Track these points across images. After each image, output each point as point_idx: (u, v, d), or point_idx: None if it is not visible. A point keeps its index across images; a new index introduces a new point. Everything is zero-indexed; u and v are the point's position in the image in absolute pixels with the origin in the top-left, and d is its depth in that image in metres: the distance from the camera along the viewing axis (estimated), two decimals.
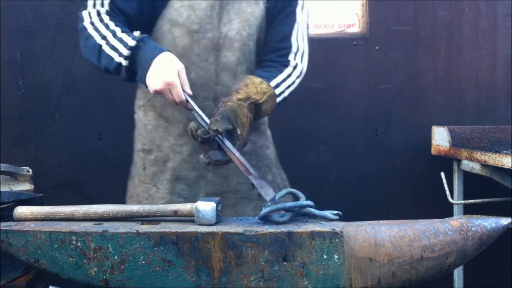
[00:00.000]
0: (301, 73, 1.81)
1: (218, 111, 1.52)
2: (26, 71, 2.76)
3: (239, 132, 1.52)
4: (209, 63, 1.73)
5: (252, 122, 1.62)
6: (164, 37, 1.72)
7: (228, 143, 1.49)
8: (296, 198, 1.45)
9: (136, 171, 1.86)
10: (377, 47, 2.90)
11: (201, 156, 1.50)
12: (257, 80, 1.66)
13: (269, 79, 1.69)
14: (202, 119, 1.55)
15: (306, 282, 1.26)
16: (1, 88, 2.72)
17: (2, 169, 1.74)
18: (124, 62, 1.58)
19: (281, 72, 1.75)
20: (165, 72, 1.53)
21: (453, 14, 2.94)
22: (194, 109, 1.56)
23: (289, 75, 1.76)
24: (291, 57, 1.78)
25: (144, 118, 1.83)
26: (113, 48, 1.60)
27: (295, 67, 1.78)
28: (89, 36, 1.64)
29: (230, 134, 1.51)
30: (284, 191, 1.48)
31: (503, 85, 2.98)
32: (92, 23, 1.66)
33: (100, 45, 1.62)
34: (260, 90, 1.64)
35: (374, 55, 2.91)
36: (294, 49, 1.79)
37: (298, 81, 1.79)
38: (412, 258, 1.30)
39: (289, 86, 1.76)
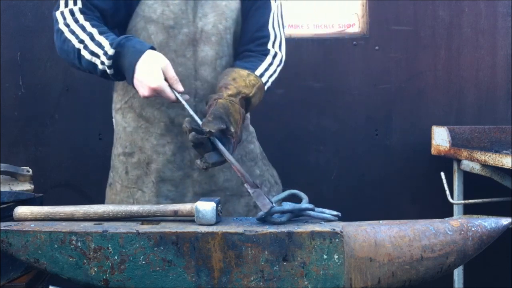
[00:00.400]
0: (281, 61, 1.79)
1: (210, 110, 1.49)
2: (26, 71, 2.75)
3: (232, 130, 1.49)
4: (187, 59, 1.70)
5: (245, 117, 1.60)
6: (139, 34, 1.67)
7: (221, 147, 1.44)
8: (299, 199, 1.44)
9: (117, 176, 1.79)
10: (377, 47, 2.90)
11: (197, 161, 1.45)
12: (244, 72, 1.64)
13: (252, 70, 1.67)
14: (194, 118, 1.49)
15: (306, 282, 1.26)
16: (1, 88, 2.72)
17: (2, 169, 1.74)
18: (109, 71, 1.53)
19: (262, 61, 1.73)
20: (150, 78, 1.48)
21: (453, 14, 2.94)
22: (185, 108, 1.51)
23: (270, 64, 1.75)
24: (269, 45, 1.77)
25: (123, 121, 1.77)
26: (93, 54, 1.53)
27: (274, 56, 1.77)
28: (66, 40, 1.57)
29: (224, 132, 1.48)
30: (285, 193, 1.47)
31: (503, 85, 2.98)
32: (67, 25, 1.58)
33: (79, 49, 1.55)
34: (249, 83, 1.62)
35: (374, 55, 2.90)
36: (272, 37, 1.78)
37: (279, 69, 1.78)
38: (412, 258, 1.30)
39: (271, 75, 1.74)
